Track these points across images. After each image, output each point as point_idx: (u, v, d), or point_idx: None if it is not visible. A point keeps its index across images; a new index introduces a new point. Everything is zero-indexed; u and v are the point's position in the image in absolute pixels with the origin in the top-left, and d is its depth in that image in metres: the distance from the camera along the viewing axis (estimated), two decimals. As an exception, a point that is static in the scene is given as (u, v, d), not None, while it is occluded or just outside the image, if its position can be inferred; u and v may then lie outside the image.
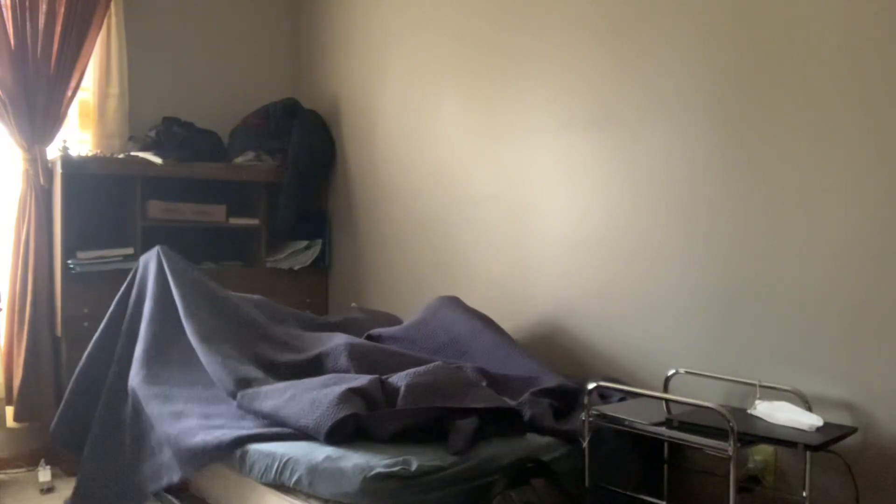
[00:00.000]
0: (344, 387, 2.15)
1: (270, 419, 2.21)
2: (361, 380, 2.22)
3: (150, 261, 2.88)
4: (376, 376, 2.26)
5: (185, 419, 2.31)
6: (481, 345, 2.69)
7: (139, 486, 2.42)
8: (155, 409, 2.41)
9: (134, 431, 2.53)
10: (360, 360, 2.50)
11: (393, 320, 3.15)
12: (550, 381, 2.40)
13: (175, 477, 2.26)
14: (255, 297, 3.03)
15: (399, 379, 2.25)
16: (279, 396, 2.25)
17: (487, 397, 2.20)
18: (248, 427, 2.20)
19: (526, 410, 2.20)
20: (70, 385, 2.83)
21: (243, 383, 2.40)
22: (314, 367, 2.58)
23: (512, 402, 2.25)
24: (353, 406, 2.06)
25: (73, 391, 2.81)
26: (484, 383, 2.36)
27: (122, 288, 2.91)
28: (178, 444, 2.21)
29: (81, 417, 2.75)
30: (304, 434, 2.08)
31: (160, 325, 2.73)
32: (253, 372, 2.49)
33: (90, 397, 2.74)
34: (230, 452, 2.11)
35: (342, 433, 2.01)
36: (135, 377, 2.57)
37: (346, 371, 2.46)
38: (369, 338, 2.86)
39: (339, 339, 2.64)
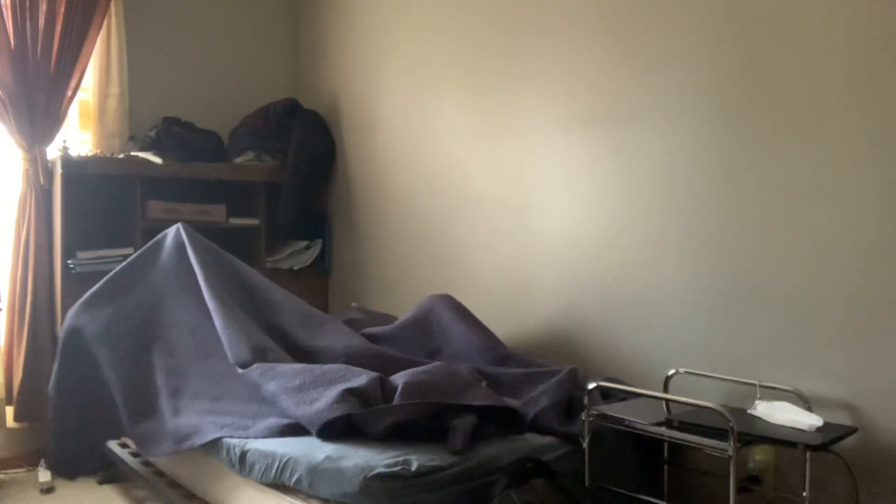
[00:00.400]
0: (342, 387, 2.16)
1: (271, 400, 2.26)
2: (361, 378, 2.23)
3: (168, 235, 2.92)
4: (377, 375, 2.27)
5: (193, 402, 2.41)
6: (474, 347, 2.69)
7: (132, 435, 2.51)
8: (162, 381, 2.52)
9: (135, 384, 2.59)
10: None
11: (392, 321, 3.14)
12: (550, 379, 2.40)
13: (166, 452, 2.35)
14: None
15: (398, 378, 2.25)
16: (288, 380, 2.27)
17: (486, 396, 2.20)
18: (251, 420, 2.25)
19: (529, 411, 2.20)
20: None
21: (259, 353, 2.44)
22: (311, 359, 2.60)
23: (514, 402, 2.25)
24: (348, 406, 2.08)
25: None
26: (483, 383, 2.36)
27: (132, 257, 2.93)
28: (177, 431, 2.31)
29: None
30: (301, 429, 2.12)
31: (175, 295, 2.78)
32: (269, 342, 2.54)
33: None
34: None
35: (335, 430, 2.04)
36: (147, 342, 2.66)
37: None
38: (361, 336, 2.87)
39: (338, 341, 2.63)
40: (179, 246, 2.85)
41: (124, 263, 2.92)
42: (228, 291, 2.73)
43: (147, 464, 2.85)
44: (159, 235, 2.95)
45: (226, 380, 2.48)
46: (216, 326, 2.58)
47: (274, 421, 2.21)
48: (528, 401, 2.26)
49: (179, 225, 2.92)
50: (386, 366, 2.48)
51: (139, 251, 2.96)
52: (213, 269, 2.79)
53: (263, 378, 2.33)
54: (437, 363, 2.43)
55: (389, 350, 2.69)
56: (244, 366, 2.41)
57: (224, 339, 2.52)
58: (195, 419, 2.32)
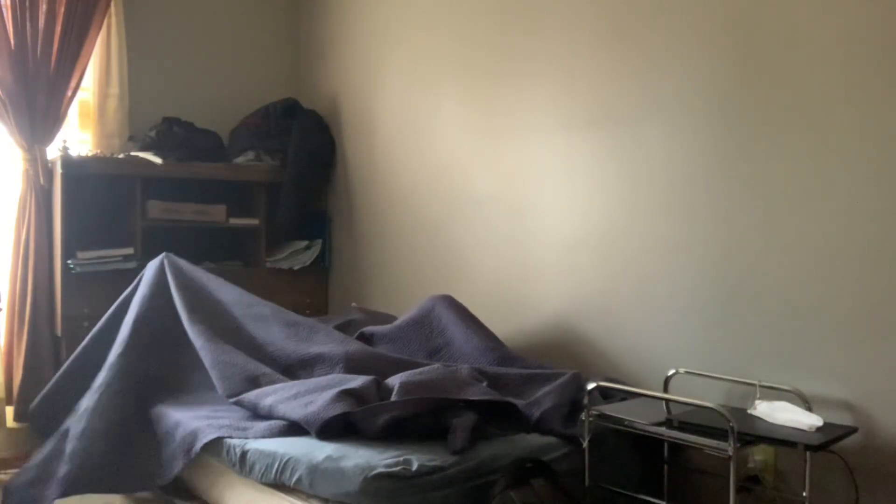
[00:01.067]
0: (338, 388, 2.18)
1: (269, 414, 2.26)
2: (357, 381, 2.25)
3: (153, 267, 2.91)
4: (373, 377, 2.28)
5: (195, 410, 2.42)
6: (475, 347, 2.69)
7: (147, 475, 2.42)
8: (174, 416, 2.47)
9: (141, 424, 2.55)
10: (356, 371, 2.49)
11: (392, 321, 3.14)
12: (553, 381, 2.40)
13: (177, 468, 2.29)
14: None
15: (395, 379, 2.26)
16: (284, 393, 2.28)
17: (484, 392, 2.20)
18: (250, 422, 2.26)
19: (533, 412, 2.20)
20: (61, 372, 2.87)
21: (252, 381, 2.45)
22: (308, 368, 2.59)
23: (517, 402, 2.25)
24: (345, 405, 2.10)
25: (63, 379, 2.84)
26: (484, 383, 2.36)
27: (129, 289, 2.94)
28: (182, 443, 2.30)
29: (65, 406, 2.75)
30: (301, 429, 2.13)
31: (156, 328, 2.76)
32: (261, 368, 2.53)
33: (79, 388, 2.72)
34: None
35: (334, 429, 2.06)
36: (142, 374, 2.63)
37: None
38: (361, 335, 2.87)
39: (336, 347, 2.62)
40: (161, 278, 2.84)
41: (120, 299, 2.91)
42: (213, 326, 2.69)
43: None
44: (144, 270, 2.94)
45: (225, 404, 2.47)
46: (205, 364, 2.56)
47: (273, 422, 2.21)
48: (532, 402, 2.26)
49: (164, 256, 2.92)
50: (385, 368, 2.48)
51: (130, 288, 2.93)
52: (195, 302, 2.77)
53: (260, 397, 2.32)
54: (435, 364, 2.43)
55: (388, 353, 2.69)
56: (233, 396, 2.41)
57: (214, 374, 2.50)
58: (193, 424, 2.33)
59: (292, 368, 2.60)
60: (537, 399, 2.27)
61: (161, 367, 2.70)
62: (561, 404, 2.23)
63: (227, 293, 2.88)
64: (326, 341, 2.68)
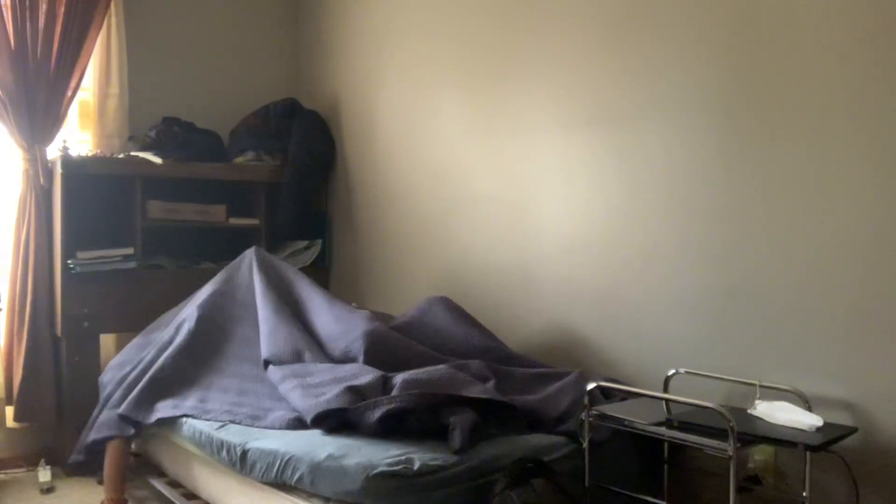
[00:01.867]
0: (347, 384, 2.22)
1: (285, 394, 2.37)
2: (367, 377, 2.29)
3: (241, 257, 3.14)
4: (381, 374, 2.30)
5: (220, 394, 2.56)
6: (474, 347, 2.70)
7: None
8: (200, 377, 2.68)
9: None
10: (375, 351, 2.57)
11: (390, 322, 3.15)
12: (560, 379, 2.41)
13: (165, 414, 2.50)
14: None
15: (399, 377, 2.27)
16: (308, 379, 2.38)
17: (483, 391, 2.21)
18: (265, 411, 2.36)
19: (551, 411, 2.20)
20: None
21: (297, 354, 2.62)
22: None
23: (531, 398, 2.26)
24: (343, 401, 2.14)
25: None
26: (491, 382, 2.36)
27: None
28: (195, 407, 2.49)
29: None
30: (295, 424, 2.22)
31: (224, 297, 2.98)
32: (309, 345, 2.69)
33: None
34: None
35: (330, 422, 2.12)
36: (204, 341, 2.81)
37: (356, 357, 2.57)
38: None
39: (357, 329, 2.66)
40: (249, 265, 3.09)
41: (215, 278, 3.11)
42: (282, 304, 2.89)
43: (147, 464, 2.85)
44: (239, 257, 3.16)
45: (257, 381, 2.58)
46: (261, 331, 2.73)
47: (284, 413, 2.28)
48: (546, 399, 2.27)
49: (254, 248, 3.15)
50: (404, 355, 2.55)
51: (224, 269, 3.14)
52: (271, 282, 2.97)
53: (286, 378, 2.42)
54: (440, 366, 2.43)
55: (406, 338, 2.71)
56: (277, 363, 2.55)
57: (267, 341, 2.66)
58: (217, 406, 2.46)
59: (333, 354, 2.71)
60: (551, 397, 2.28)
61: (219, 333, 2.85)
62: (577, 402, 2.23)
63: (300, 280, 3.05)
64: (351, 319, 2.76)
